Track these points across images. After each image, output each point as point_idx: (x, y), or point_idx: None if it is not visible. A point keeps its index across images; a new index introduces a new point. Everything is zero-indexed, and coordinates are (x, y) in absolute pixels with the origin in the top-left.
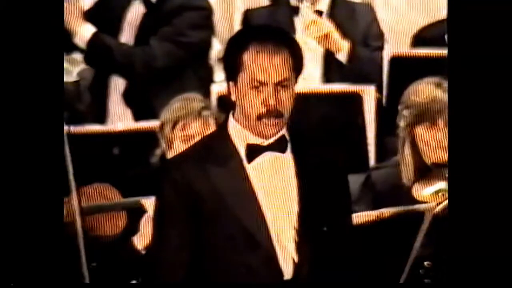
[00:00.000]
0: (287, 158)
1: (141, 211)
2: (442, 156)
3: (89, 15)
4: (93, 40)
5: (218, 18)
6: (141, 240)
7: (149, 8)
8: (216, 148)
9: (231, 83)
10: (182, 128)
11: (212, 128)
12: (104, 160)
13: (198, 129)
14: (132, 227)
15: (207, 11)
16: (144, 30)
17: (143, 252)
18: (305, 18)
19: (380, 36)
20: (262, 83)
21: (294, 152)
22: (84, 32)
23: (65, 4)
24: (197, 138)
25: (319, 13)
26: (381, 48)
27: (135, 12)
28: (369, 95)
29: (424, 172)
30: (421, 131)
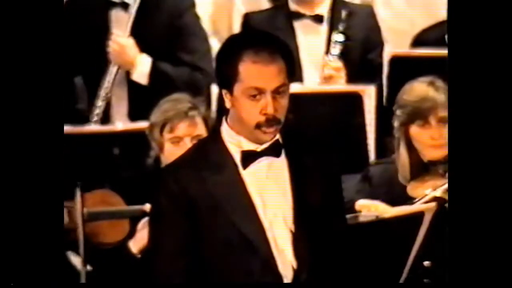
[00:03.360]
0: (281, 162)
1: (143, 217)
2: (437, 154)
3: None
4: (154, 72)
5: (217, 18)
6: (136, 243)
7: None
8: (210, 154)
9: (224, 91)
10: (170, 130)
11: (199, 127)
12: (104, 160)
13: (185, 130)
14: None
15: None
16: (140, 31)
17: (139, 255)
18: (330, 66)
19: (380, 43)
20: (260, 91)
21: (288, 156)
22: (142, 66)
23: (121, 40)
24: (186, 139)
25: (319, 17)
26: (379, 55)
27: (119, 14)
28: (369, 95)
29: (420, 170)
30: (414, 130)
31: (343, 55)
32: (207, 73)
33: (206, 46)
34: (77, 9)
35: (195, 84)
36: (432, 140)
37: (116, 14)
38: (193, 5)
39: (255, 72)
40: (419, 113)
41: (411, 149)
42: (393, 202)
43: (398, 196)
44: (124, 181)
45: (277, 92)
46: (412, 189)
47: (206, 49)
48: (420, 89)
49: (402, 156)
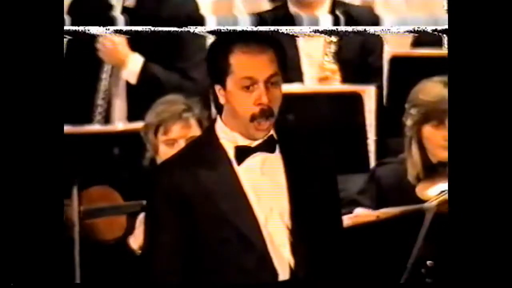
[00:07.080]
0: (276, 158)
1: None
2: (447, 154)
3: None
4: (144, 73)
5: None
6: (136, 240)
7: (131, 15)
8: (204, 151)
9: (217, 87)
10: (164, 132)
11: (194, 129)
12: (104, 160)
13: (179, 132)
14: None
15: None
16: (137, 32)
17: (139, 252)
18: (326, 67)
19: (380, 44)
20: (252, 82)
21: (282, 151)
22: (133, 65)
23: (113, 38)
24: (181, 141)
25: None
26: (379, 57)
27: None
28: (369, 95)
29: (429, 171)
30: (428, 130)
31: (339, 56)
32: (197, 82)
33: (201, 55)
34: (77, 12)
35: (184, 92)
36: (444, 141)
37: (117, 17)
38: (195, 9)
39: (246, 61)
40: (435, 114)
41: (423, 148)
42: (401, 203)
43: (407, 197)
44: (123, 181)
45: (269, 82)
46: (421, 190)
47: (200, 59)
48: (437, 89)
49: (414, 154)
